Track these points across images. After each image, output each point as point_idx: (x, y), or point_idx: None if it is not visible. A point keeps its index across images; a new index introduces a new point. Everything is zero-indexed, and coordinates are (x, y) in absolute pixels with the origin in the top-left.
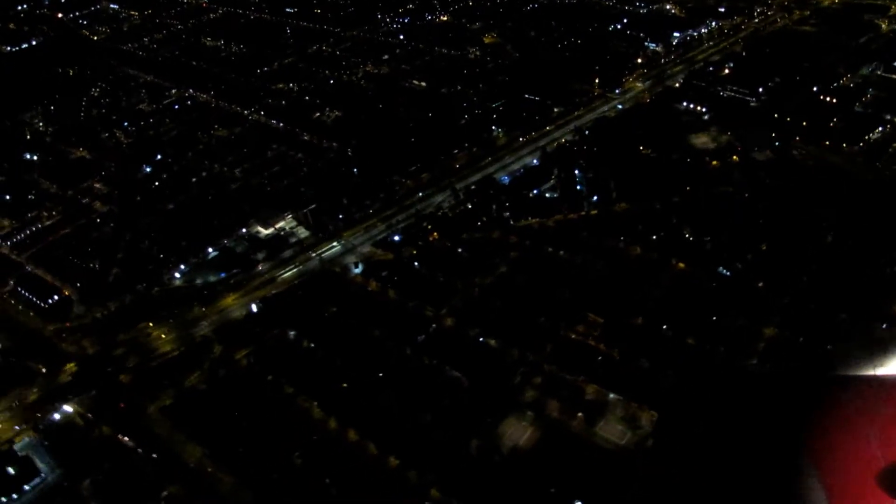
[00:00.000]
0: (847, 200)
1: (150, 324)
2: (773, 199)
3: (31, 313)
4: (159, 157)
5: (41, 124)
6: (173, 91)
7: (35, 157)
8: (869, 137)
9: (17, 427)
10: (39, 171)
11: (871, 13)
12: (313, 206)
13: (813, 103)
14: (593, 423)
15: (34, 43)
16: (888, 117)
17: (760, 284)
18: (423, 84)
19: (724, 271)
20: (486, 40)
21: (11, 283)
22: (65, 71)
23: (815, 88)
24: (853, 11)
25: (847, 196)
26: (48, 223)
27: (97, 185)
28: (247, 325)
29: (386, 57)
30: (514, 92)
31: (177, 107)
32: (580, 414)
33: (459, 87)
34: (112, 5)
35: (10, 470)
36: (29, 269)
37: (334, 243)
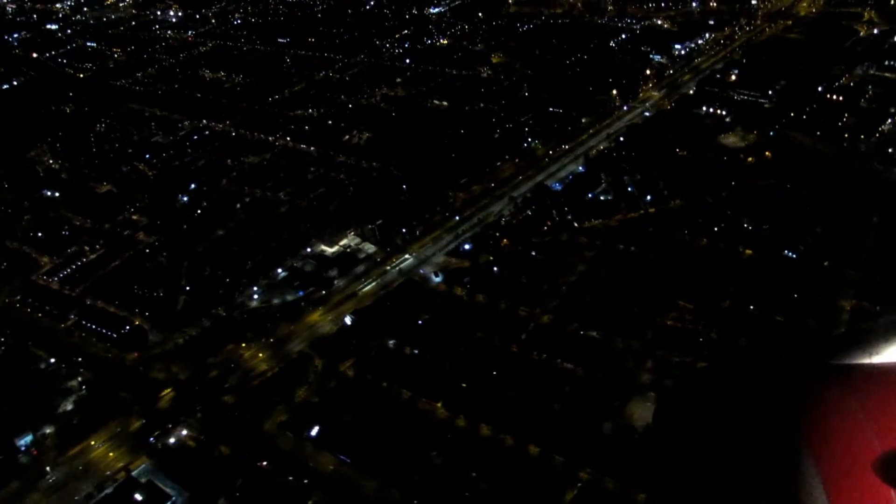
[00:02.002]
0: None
1: (243, 344)
2: (814, 188)
3: (107, 345)
4: (193, 186)
5: (51, 161)
6: (186, 123)
7: (57, 194)
8: (883, 129)
9: (128, 455)
10: (66, 207)
11: (847, 20)
12: (380, 221)
13: (822, 102)
14: None
15: (16, 83)
16: (893, 110)
17: (826, 263)
18: (445, 103)
19: (790, 254)
20: (494, 60)
21: (73, 316)
22: (59, 109)
23: (819, 88)
24: (830, 19)
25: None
26: (93, 257)
27: (135, 217)
28: (342, 337)
29: (399, 80)
30: (537, 106)
31: (195, 137)
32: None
33: (482, 105)
34: (89, 43)
35: (138, 496)
36: (88, 302)
37: (406, 256)
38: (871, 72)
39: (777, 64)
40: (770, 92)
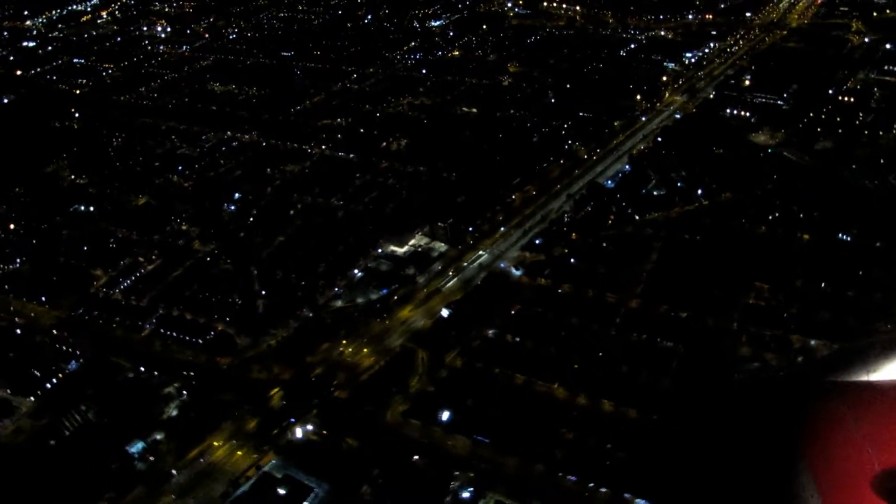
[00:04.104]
0: None
1: (343, 342)
2: (847, 178)
3: (195, 351)
4: (238, 195)
5: (73, 176)
6: (210, 134)
7: (91, 208)
8: None
9: (254, 453)
10: (105, 220)
11: (837, 30)
12: (451, 220)
13: (835, 103)
14: None
15: (6, 101)
16: None
17: (878, 244)
18: (475, 110)
19: (845, 237)
20: (512, 69)
21: (148, 326)
22: (64, 124)
23: (830, 91)
24: (822, 30)
25: None
26: (150, 268)
27: (184, 227)
28: (440, 330)
29: (421, 89)
30: (567, 111)
31: (224, 148)
32: (799, 358)
33: (511, 111)
34: (76, 59)
35: (281, 490)
36: (162, 311)
37: (481, 252)
38: (873, 76)
39: (784, 70)
40: (785, 95)
